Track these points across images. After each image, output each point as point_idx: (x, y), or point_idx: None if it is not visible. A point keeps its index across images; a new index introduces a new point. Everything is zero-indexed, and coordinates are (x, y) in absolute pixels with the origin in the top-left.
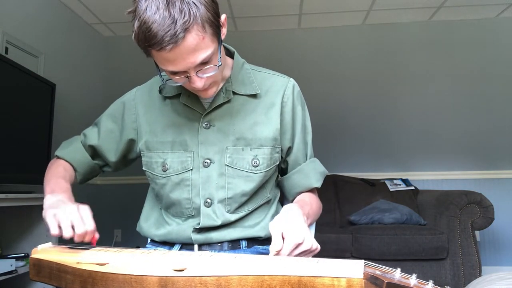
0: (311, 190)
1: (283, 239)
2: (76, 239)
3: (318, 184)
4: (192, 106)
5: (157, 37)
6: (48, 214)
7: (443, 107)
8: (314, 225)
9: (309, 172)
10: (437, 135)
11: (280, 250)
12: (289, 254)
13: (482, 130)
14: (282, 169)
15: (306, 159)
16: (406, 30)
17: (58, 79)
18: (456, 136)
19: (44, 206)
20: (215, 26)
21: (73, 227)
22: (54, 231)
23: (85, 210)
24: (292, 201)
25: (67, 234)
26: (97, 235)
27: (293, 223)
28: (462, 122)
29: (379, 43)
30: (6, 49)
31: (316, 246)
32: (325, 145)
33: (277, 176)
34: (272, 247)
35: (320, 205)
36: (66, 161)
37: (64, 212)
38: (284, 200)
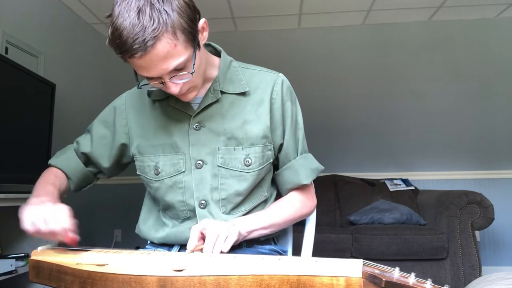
0: (301, 188)
1: (203, 238)
2: (53, 237)
3: (307, 181)
4: (181, 108)
5: (126, 45)
6: (24, 211)
7: (443, 107)
8: (313, 225)
9: (299, 169)
10: (437, 135)
11: (196, 248)
12: (213, 247)
13: (482, 130)
14: (275, 166)
15: (297, 155)
16: (406, 30)
17: (58, 79)
18: (456, 136)
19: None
20: (189, 33)
21: (47, 223)
22: (27, 225)
23: (62, 208)
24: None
25: (41, 226)
26: (75, 236)
27: (213, 222)
28: (462, 122)
29: (379, 43)
30: (6, 49)
31: (231, 235)
32: (325, 145)
33: (273, 173)
34: (187, 246)
35: (305, 203)
36: (59, 169)
37: (39, 208)
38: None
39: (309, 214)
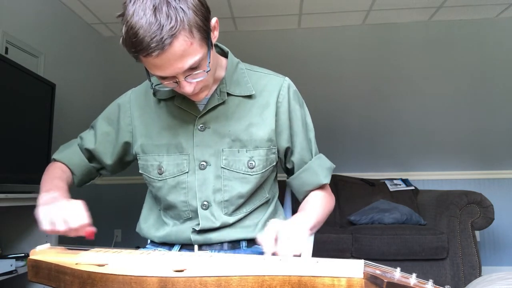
0: (320, 187)
1: (275, 240)
2: (71, 234)
3: (326, 180)
4: (186, 108)
5: (143, 43)
6: (40, 211)
7: (443, 107)
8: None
9: (317, 169)
10: (437, 135)
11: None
12: (285, 250)
13: (482, 130)
14: (289, 170)
15: (312, 156)
16: (406, 30)
17: (58, 79)
18: (456, 136)
19: (37, 204)
20: (204, 31)
21: (66, 222)
22: (46, 226)
23: (78, 205)
24: (302, 200)
25: (60, 227)
26: (92, 229)
27: (285, 224)
28: (462, 122)
29: (379, 43)
30: (6, 49)
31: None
32: (325, 145)
33: (276, 175)
34: (265, 250)
35: (330, 199)
36: (64, 164)
37: (56, 207)
38: (285, 197)
39: (333, 209)
